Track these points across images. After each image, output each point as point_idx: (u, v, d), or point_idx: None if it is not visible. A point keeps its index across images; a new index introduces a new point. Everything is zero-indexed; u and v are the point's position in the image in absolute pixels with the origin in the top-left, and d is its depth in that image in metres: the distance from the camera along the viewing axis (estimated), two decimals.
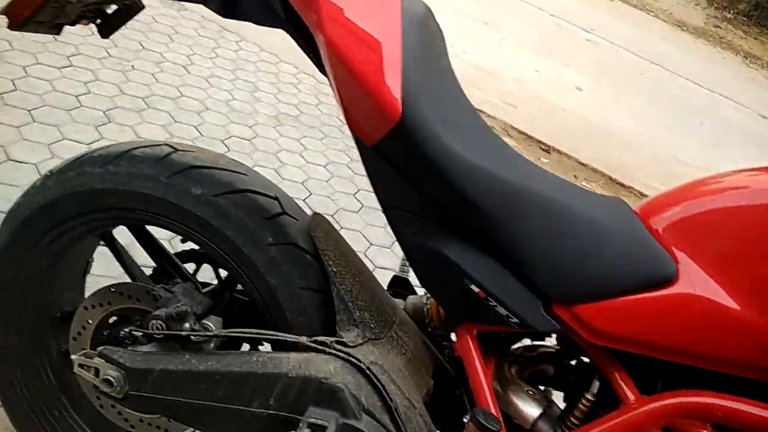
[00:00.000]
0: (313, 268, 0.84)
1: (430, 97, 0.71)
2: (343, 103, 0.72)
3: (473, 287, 0.74)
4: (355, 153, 2.77)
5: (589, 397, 0.79)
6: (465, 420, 0.74)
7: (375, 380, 0.74)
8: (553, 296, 0.73)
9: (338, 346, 0.76)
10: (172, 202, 0.83)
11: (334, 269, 0.83)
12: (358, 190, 2.41)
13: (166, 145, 0.89)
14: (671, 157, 4.63)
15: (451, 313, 0.87)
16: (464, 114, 0.75)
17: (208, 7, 0.80)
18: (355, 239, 2.13)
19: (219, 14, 0.80)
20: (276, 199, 0.87)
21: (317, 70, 0.83)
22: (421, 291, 1.12)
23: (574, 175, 3.80)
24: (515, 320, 0.75)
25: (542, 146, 3.97)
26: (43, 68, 2.26)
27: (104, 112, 2.18)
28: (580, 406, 0.81)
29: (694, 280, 0.70)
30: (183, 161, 0.86)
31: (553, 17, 6.85)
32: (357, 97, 0.69)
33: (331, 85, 0.73)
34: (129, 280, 0.98)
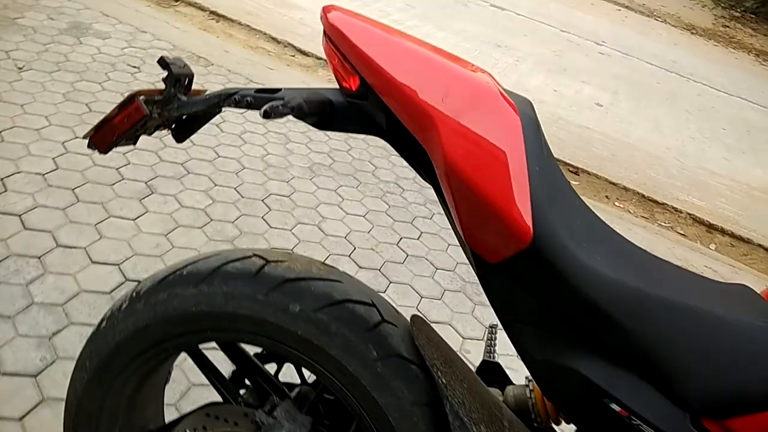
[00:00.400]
0: (420, 380, 0.81)
1: (557, 211, 0.68)
2: (461, 221, 0.69)
3: (613, 405, 0.71)
4: (392, 199, 2.73)
5: None
6: None
7: None
8: (702, 410, 0.69)
9: None
10: (270, 321, 0.81)
11: (444, 380, 0.79)
12: (401, 239, 2.39)
13: (256, 256, 0.86)
14: (699, 167, 4.56)
15: (583, 429, 0.83)
16: (584, 219, 0.73)
17: (307, 122, 0.78)
18: (405, 292, 2.10)
19: (316, 127, 0.79)
20: (373, 305, 0.84)
21: (421, 179, 0.81)
22: (511, 374, 1.09)
23: (606, 196, 3.75)
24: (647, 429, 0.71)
25: (570, 168, 3.93)
26: (82, 142, 2.27)
27: (146, 183, 2.18)
28: None
29: None
30: (277, 274, 0.83)
31: (564, 33, 6.85)
32: (482, 217, 0.67)
33: (448, 202, 0.70)
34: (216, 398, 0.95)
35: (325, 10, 0.81)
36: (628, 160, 4.31)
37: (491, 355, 1.11)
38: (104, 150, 0.85)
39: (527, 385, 0.97)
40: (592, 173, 3.94)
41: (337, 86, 0.81)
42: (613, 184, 3.90)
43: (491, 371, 1.05)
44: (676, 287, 0.72)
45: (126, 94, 0.87)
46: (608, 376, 0.70)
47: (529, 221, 0.65)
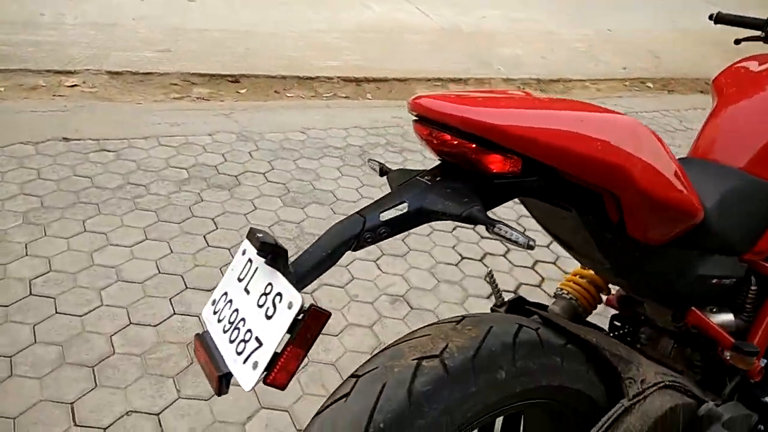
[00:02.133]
0: None
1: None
2: (638, 227, 0.87)
3: (713, 280, 1.04)
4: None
5: (752, 288, 1.15)
6: (727, 354, 1.07)
7: None
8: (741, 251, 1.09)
9: None
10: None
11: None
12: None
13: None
14: (303, 33, 5.01)
15: (681, 305, 1.13)
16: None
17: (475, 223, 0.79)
18: None
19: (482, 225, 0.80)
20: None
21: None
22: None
23: (275, 91, 3.91)
24: (727, 280, 1.08)
25: (229, 79, 3.90)
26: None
27: None
28: (750, 296, 1.15)
29: None
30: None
31: None
32: (663, 217, 0.86)
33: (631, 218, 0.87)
34: None
35: (424, 102, 0.78)
36: (267, 50, 4.47)
37: (500, 296, 1.31)
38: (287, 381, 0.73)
39: (561, 296, 1.24)
40: (249, 75, 4.00)
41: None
42: (272, 77, 4.06)
43: (522, 304, 1.25)
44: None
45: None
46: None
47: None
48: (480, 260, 2.34)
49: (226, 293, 0.82)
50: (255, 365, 0.72)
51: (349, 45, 4.95)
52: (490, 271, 1.39)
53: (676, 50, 6.79)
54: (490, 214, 0.80)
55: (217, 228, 2.30)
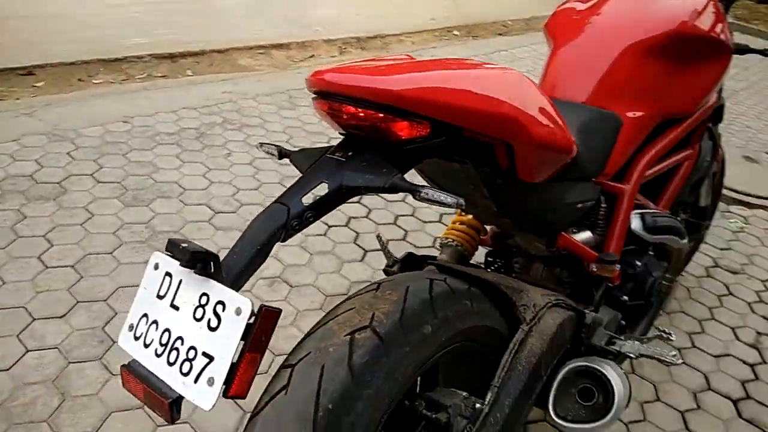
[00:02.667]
0: None
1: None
2: (524, 167, 0.92)
3: (578, 205, 1.15)
4: None
5: (603, 205, 1.31)
6: (593, 266, 1.22)
7: None
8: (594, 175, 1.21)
9: None
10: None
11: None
12: None
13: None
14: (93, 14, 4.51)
15: (552, 232, 1.22)
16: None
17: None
18: None
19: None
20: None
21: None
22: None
23: (79, 79, 3.49)
24: (588, 203, 1.20)
25: (20, 72, 3.39)
26: None
27: None
28: (601, 213, 1.31)
29: None
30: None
31: None
32: (545, 158, 0.92)
33: (522, 162, 0.92)
34: None
35: (328, 77, 0.75)
36: (60, 34, 3.93)
37: (390, 256, 1.35)
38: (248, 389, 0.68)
39: (443, 243, 1.31)
40: (44, 65, 3.51)
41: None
42: (71, 64, 3.61)
43: (418, 260, 1.30)
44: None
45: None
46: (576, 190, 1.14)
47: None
48: (346, 225, 2.36)
49: (146, 315, 0.74)
50: (210, 381, 0.66)
51: (156, 18, 4.56)
52: (379, 234, 1.41)
53: None
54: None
55: (51, 245, 2.03)
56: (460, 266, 1.13)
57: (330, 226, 2.34)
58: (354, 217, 2.41)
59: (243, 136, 2.92)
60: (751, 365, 2.01)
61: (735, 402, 1.84)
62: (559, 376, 1.09)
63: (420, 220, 2.50)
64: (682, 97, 1.35)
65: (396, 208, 2.54)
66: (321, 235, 2.28)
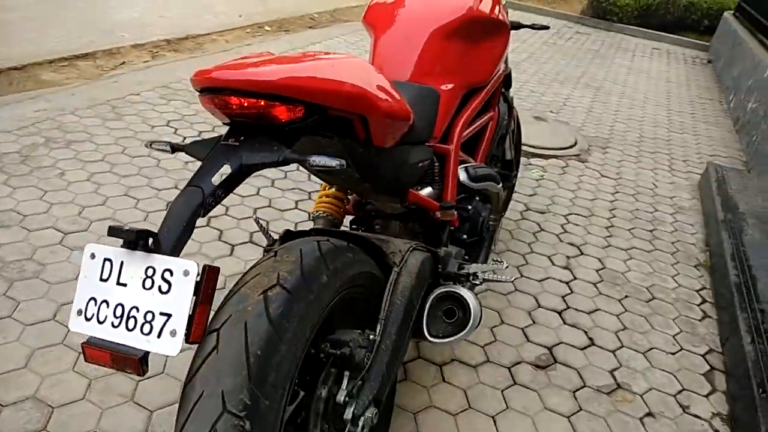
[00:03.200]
0: None
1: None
2: (378, 137, 1.12)
3: (419, 164, 1.38)
4: None
5: (436, 164, 1.57)
6: (437, 214, 1.48)
7: None
8: (426, 139, 1.46)
9: None
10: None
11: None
12: None
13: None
14: None
15: (403, 191, 1.44)
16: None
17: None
18: None
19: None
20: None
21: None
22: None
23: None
24: (426, 162, 1.44)
25: None
26: None
27: None
28: (435, 171, 1.57)
29: None
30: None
31: None
32: (393, 126, 1.13)
33: (376, 132, 1.10)
34: None
35: (215, 74, 0.88)
36: None
37: (269, 236, 1.49)
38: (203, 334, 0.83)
39: (315, 217, 1.50)
40: None
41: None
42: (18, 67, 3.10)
43: (292, 235, 1.46)
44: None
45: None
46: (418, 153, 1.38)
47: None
48: (207, 225, 2.41)
49: (93, 298, 0.83)
50: (173, 333, 0.80)
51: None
52: (257, 217, 1.55)
53: None
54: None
55: None
56: (336, 230, 1.33)
57: (211, 217, 2.38)
58: (214, 216, 2.47)
59: (73, 153, 2.79)
60: (567, 282, 2.49)
61: (560, 313, 2.29)
62: (428, 304, 1.35)
63: (278, 209, 2.64)
64: (480, 69, 1.66)
65: (253, 202, 2.65)
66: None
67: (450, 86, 1.54)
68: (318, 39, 5.69)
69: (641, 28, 8.59)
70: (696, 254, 2.91)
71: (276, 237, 1.49)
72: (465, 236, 1.65)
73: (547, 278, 2.50)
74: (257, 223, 1.52)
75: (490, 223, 1.93)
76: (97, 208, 2.40)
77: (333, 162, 0.94)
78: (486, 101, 1.84)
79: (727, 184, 3.45)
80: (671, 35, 8.56)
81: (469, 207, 1.67)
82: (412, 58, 1.52)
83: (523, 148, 3.77)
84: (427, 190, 1.56)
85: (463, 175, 1.63)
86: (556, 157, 3.80)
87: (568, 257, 2.68)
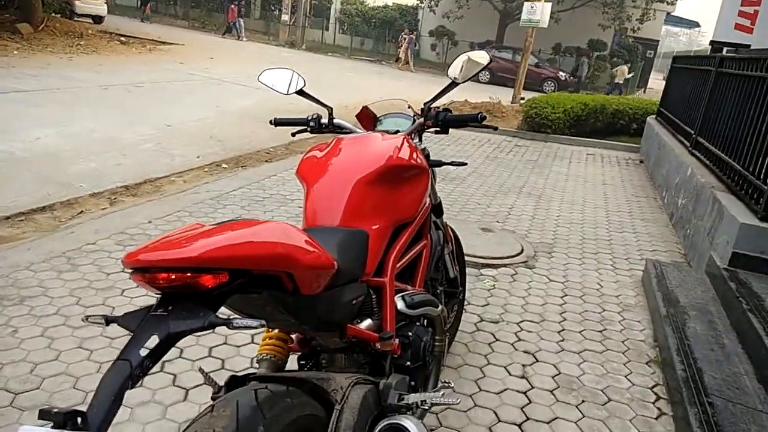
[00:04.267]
0: None
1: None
2: (307, 288, 1.23)
3: (353, 302, 1.49)
4: None
5: (374, 296, 1.67)
6: (378, 345, 1.56)
7: None
8: (360, 276, 1.57)
9: None
10: None
11: None
12: None
13: None
14: None
15: (340, 327, 1.52)
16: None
17: None
18: None
19: None
20: None
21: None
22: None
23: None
24: (360, 298, 1.54)
25: None
26: None
27: None
28: (374, 303, 1.67)
29: None
30: None
31: None
32: (318, 279, 1.25)
33: (303, 285, 1.22)
34: None
35: (142, 257, 0.98)
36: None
37: (215, 384, 1.54)
38: None
39: (264, 358, 1.56)
40: None
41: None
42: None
43: (237, 380, 1.51)
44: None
45: None
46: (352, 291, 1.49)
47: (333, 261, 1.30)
48: (161, 371, 2.41)
49: None
50: None
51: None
52: (200, 367, 1.59)
53: (232, 131, 7.79)
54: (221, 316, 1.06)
55: None
56: (278, 373, 1.39)
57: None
58: (168, 360, 2.48)
59: (27, 309, 2.79)
60: (524, 392, 2.54)
61: (519, 426, 2.31)
62: None
63: (234, 345, 2.66)
64: (405, 207, 1.83)
65: (208, 340, 2.67)
66: (137, 386, 2.30)
67: (378, 226, 1.69)
68: (273, 172, 5.95)
69: (574, 137, 9.28)
70: (646, 351, 3.01)
71: (221, 384, 1.54)
72: (408, 362, 1.72)
73: (505, 390, 2.55)
74: (201, 372, 1.56)
75: (436, 344, 2.01)
76: (50, 364, 2.38)
77: (254, 323, 1.02)
78: (418, 232, 1.99)
79: (666, 278, 3.64)
80: (603, 141, 9.26)
81: (410, 333, 1.76)
82: (341, 205, 1.67)
83: (474, 259, 3.93)
84: (366, 323, 1.65)
85: (400, 304, 1.73)
86: (505, 265, 3.97)
87: (523, 366, 2.75)
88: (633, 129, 10.00)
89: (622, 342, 3.08)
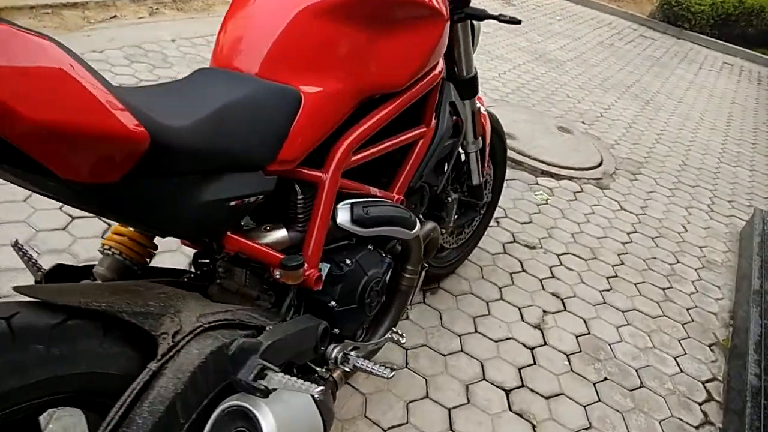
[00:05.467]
0: None
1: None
2: (58, 166, 0.64)
3: (232, 203, 0.89)
4: None
5: (299, 197, 1.07)
6: (277, 272, 1.00)
7: None
8: (266, 164, 0.96)
9: None
10: None
11: None
12: None
13: None
14: None
15: (212, 235, 0.97)
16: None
17: None
18: None
19: None
20: None
21: None
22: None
23: None
24: (253, 197, 0.95)
25: None
26: None
27: None
28: (299, 206, 1.08)
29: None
30: None
31: None
32: (83, 149, 0.65)
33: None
34: None
35: None
36: None
37: (35, 267, 1.04)
38: None
39: (107, 252, 1.03)
40: None
41: None
42: None
43: (69, 273, 1.02)
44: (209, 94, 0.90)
45: None
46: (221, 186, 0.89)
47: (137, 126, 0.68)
48: None
49: None
50: None
51: None
52: (16, 241, 1.09)
53: None
54: None
55: None
56: (66, 288, 0.85)
57: None
58: None
59: None
60: (531, 348, 1.96)
61: (507, 393, 1.76)
62: (211, 421, 0.86)
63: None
64: (386, 67, 1.15)
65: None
66: None
67: (325, 89, 1.04)
68: None
69: (715, 40, 7.69)
70: (715, 329, 2.31)
71: (45, 269, 1.04)
72: (333, 303, 1.14)
73: (509, 338, 1.97)
74: (16, 248, 1.06)
75: (403, 279, 1.43)
76: None
77: None
78: (411, 113, 1.33)
79: None
80: (749, 51, 7.63)
81: (347, 261, 1.17)
82: (263, 43, 1.02)
83: (533, 162, 3.20)
84: (274, 235, 1.07)
85: (343, 216, 1.13)
86: (570, 178, 3.21)
87: (544, 313, 2.14)
88: None
89: (687, 310, 2.37)
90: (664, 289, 2.46)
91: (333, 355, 1.12)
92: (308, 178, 1.08)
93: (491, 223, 2.41)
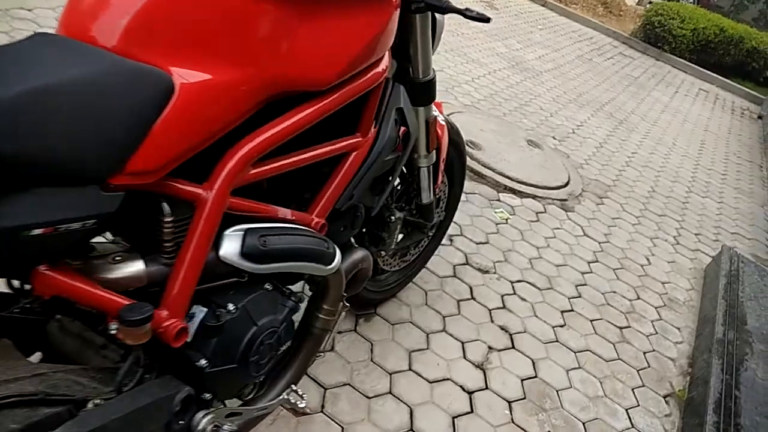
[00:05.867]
0: None
1: None
2: None
3: (35, 231, 0.62)
4: None
5: (167, 219, 0.80)
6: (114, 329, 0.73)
7: None
8: (107, 175, 0.69)
9: None
10: None
11: None
12: None
13: None
14: None
15: (22, 265, 0.69)
16: None
17: None
18: None
19: None
20: None
21: None
22: None
23: None
24: (77, 223, 0.68)
25: None
26: None
27: None
28: (166, 230, 0.81)
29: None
30: None
31: None
32: None
33: None
34: None
35: None
36: None
37: None
38: None
39: None
40: None
41: None
42: None
43: None
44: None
45: None
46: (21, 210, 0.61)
47: None
48: None
49: None
50: None
51: None
52: None
53: None
54: None
55: None
56: None
57: None
58: None
59: None
60: (470, 393, 1.73)
61: None
62: None
63: None
64: (305, 59, 0.89)
65: None
66: None
67: (212, 76, 0.78)
68: None
69: (693, 65, 7.64)
70: (672, 377, 2.13)
71: None
72: (204, 362, 0.87)
73: (446, 379, 1.74)
74: None
75: (317, 320, 1.18)
76: None
77: None
78: (343, 120, 1.07)
79: (740, 281, 2.63)
80: (724, 79, 7.61)
81: (231, 306, 0.90)
82: (132, 7, 0.76)
83: (497, 177, 2.98)
84: (130, 268, 0.80)
85: (228, 247, 0.87)
86: (534, 197, 3.00)
87: (489, 349, 1.92)
88: (764, 77, 8.21)
89: (644, 354, 2.19)
90: (621, 328, 2.27)
91: (200, 427, 0.86)
92: (182, 195, 0.81)
93: (444, 242, 2.18)
